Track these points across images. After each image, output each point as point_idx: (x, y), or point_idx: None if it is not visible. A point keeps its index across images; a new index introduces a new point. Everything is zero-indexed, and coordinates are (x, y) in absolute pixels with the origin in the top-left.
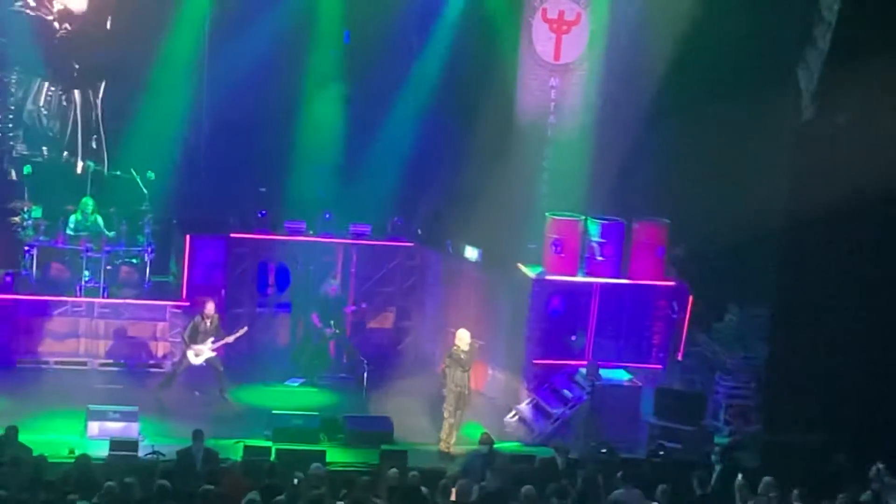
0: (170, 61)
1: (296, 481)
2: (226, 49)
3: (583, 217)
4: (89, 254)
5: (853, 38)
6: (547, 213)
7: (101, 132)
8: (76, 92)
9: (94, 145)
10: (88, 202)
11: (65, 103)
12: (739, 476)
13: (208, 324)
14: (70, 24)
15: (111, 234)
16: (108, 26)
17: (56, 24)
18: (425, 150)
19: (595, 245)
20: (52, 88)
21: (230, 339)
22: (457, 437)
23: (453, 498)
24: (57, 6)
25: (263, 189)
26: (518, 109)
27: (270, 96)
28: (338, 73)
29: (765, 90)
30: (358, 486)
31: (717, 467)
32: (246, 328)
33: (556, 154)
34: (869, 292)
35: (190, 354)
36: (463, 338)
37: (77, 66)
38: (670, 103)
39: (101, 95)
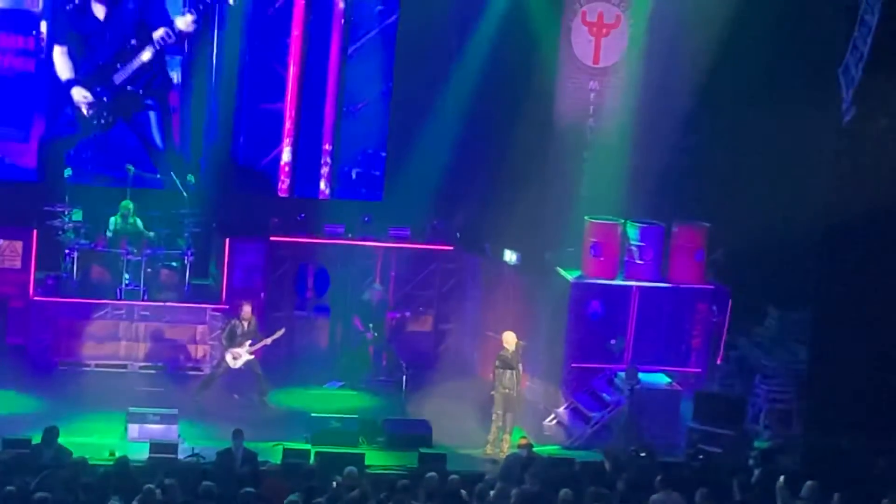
0: (207, 63)
1: (335, 484)
2: (265, 52)
3: (622, 220)
4: (129, 257)
5: (894, 41)
6: (586, 217)
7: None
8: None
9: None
10: (129, 205)
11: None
12: (781, 479)
13: (245, 326)
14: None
15: (151, 235)
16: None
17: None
18: (464, 153)
19: (634, 248)
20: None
21: (268, 341)
22: (507, 440)
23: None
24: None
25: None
26: (557, 113)
27: None
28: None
29: (805, 93)
30: (397, 489)
31: (756, 471)
32: (283, 330)
33: (595, 157)
34: None
35: (228, 357)
36: (509, 339)
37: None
38: (710, 106)
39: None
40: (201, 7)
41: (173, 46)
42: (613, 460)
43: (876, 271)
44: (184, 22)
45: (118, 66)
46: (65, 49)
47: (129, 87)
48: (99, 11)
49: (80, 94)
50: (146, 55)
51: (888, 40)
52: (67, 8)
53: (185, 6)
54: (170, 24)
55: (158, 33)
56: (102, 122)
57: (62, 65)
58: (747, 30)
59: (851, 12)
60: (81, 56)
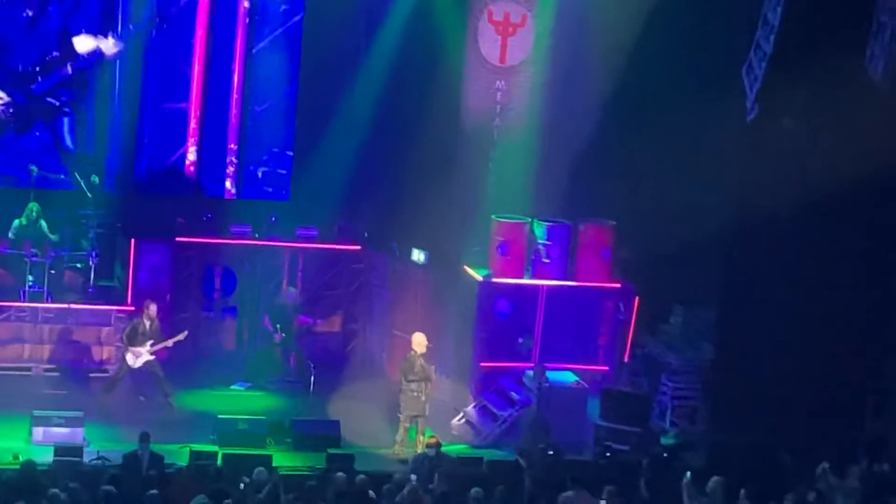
0: (111, 62)
1: (242, 486)
2: (169, 51)
3: (529, 219)
4: (33, 259)
5: (797, 40)
6: (493, 216)
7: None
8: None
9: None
10: (35, 207)
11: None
12: (687, 475)
13: (148, 326)
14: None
15: (55, 237)
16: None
17: None
18: (371, 152)
19: (541, 247)
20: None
21: (169, 342)
22: (420, 441)
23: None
24: None
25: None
26: (464, 112)
27: None
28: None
29: (711, 93)
30: (305, 490)
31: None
32: (186, 333)
33: (501, 156)
34: (813, 293)
35: (128, 356)
36: (419, 341)
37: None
38: (616, 105)
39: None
40: (124, 33)
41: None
42: (528, 458)
43: (780, 269)
44: (107, 45)
45: (39, 77)
46: None
47: (47, 98)
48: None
49: None
50: (67, 70)
51: (791, 39)
52: None
53: (108, 30)
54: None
55: (84, 47)
56: (21, 126)
57: None
58: (653, 30)
59: (755, 11)
60: (2, 57)
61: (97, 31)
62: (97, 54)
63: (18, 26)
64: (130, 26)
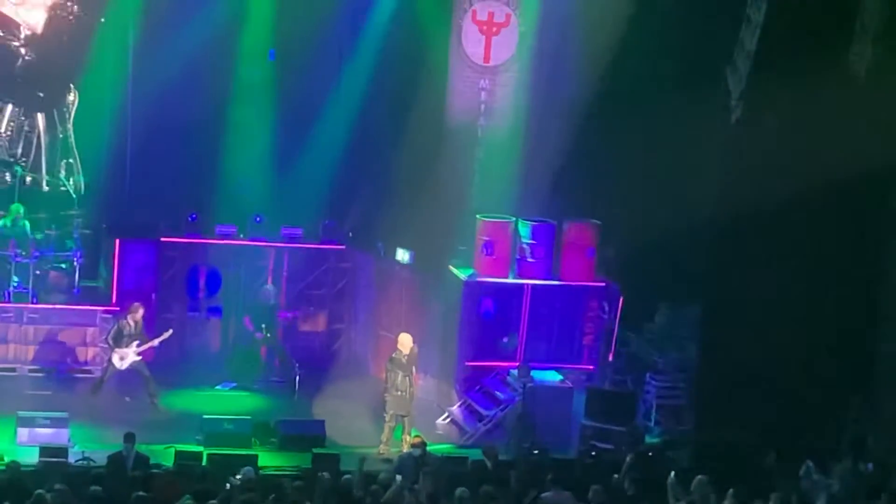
0: (98, 66)
1: (228, 486)
2: (154, 52)
3: (513, 219)
4: (18, 259)
5: (780, 39)
6: (478, 215)
7: (74, 152)
8: (40, 116)
9: (64, 167)
10: (18, 208)
11: (27, 129)
12: (672, 474)
13: (133, 327)
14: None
15: (39, 237)
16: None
17: (22, 51)
18: (356, 152)
19: (526, 246)
20: (16, 111)
21: (155, 342)
22: (406, 441)
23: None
24: (24, 32)
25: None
26: (448, 112)
27: (201, 100)
28: (268, 75)
29: (695, 91)
30: (290, 490)
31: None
32: (171, 331)
33: (486, 156)
34: (798, 292)
35: (115, 358)
36: (405, 342)
37: (41, 93)
38: (601, 105)
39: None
40: None
41: None
42: (494, 459)
43: (763, 268)
44: None
45: None
46: None
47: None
48: None
49: None
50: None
51: (775, 38)
52: None
53: None
54: None
55: None
56: None
57: None
58: (637, 29)
59: (739, 10)
60: None
61: None
62: None
63: None
64: None
